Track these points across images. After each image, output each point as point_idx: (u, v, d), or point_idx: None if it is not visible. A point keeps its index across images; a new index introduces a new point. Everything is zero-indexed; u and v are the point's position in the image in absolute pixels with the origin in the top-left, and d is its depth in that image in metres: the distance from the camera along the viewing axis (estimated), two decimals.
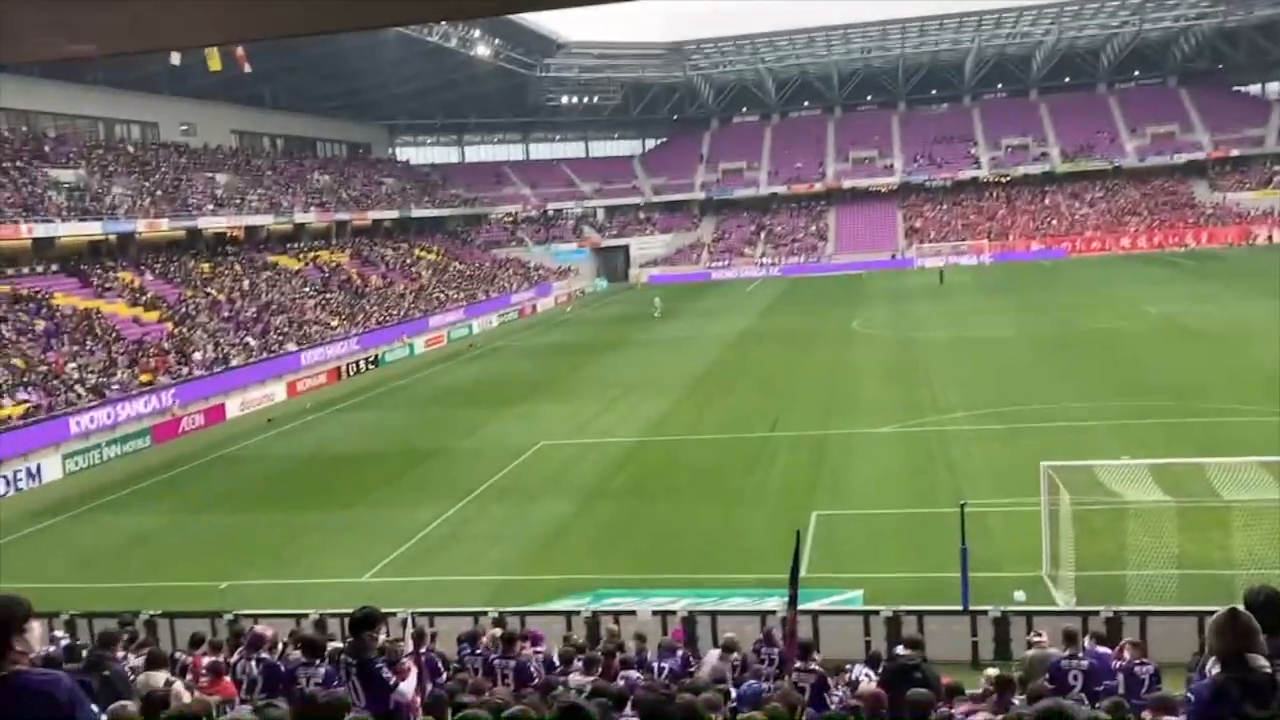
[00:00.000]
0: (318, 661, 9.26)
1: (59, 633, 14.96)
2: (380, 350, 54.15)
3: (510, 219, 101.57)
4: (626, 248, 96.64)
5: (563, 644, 12.87)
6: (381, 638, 8.65)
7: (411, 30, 65.77)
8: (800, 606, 11.02)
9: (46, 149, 54.42)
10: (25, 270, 46.95)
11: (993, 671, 10.73)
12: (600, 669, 10.49)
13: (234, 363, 44.63)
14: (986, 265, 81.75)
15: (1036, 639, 12.47)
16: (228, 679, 9.96)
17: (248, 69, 56.88)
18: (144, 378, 39.69)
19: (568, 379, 43.82)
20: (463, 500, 26.13)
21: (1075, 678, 10.07)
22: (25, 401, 34.78)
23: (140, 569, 22.89)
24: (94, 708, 4.34)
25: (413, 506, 25.92)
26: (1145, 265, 71.46)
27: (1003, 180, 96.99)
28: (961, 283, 69.76)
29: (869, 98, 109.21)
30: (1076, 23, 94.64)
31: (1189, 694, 4.64)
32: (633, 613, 16.50)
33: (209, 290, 53.28)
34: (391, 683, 7.63)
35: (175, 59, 47.19)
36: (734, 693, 9.49)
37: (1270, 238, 79.67)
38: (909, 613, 15.64)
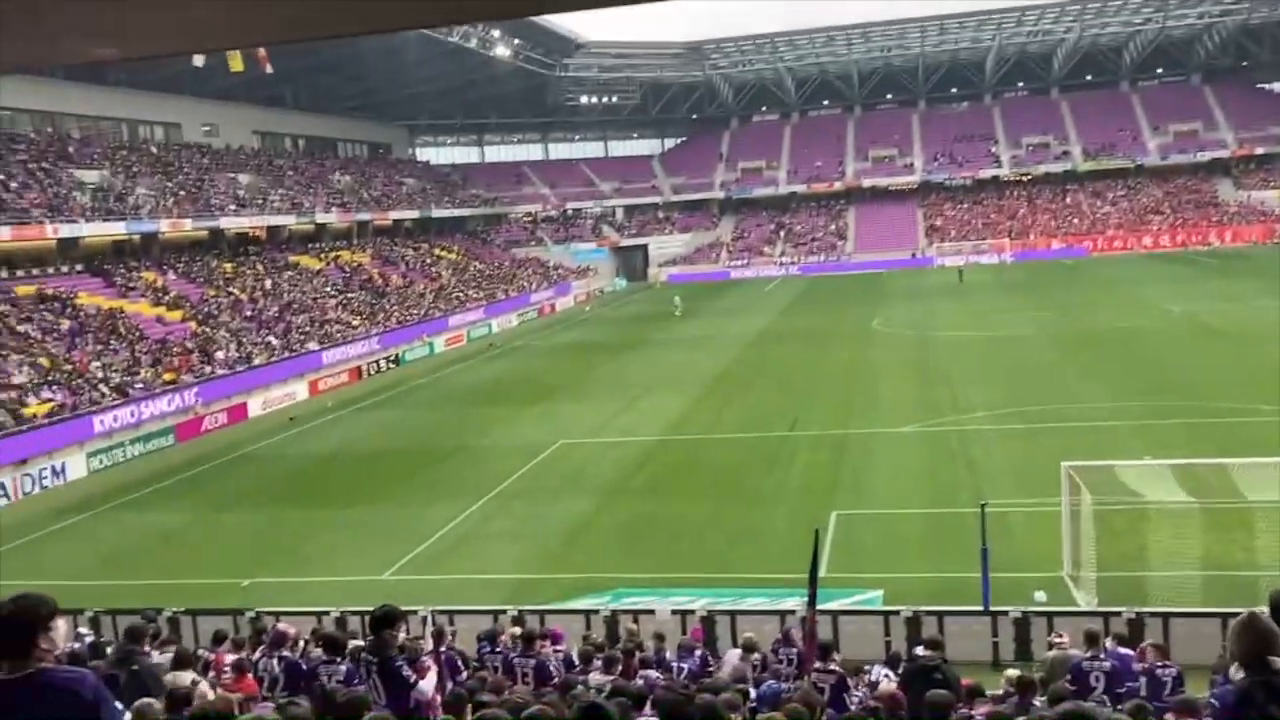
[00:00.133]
0: (339, 659, 9.31)
1: (83, 629, 15.09)
2: (401, 349, 54.36)
3: (530, 218, 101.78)
4: (645, 247, 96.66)
5: (582, 643, 12.90)
6: (401, 636, 8.69)
7: (432, 31, 65.94)
8: (819, 606, 11.00)
9: (71, 150, 54.86)
10: (50, 270, 47.35)
11: (1013, 673, 10.68)
12: (619, 668, 10.50)
13: (256, 362, 44.90)
14: (1007, 264, 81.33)
15: (1058, 640, 12.40)
16: (251, 677, 10.03)
17: (269, 70, 57.28)
18: (167, 376, 39.98)
19: (587, 378, 43.87)
20: (483, 499, 26.21)
21: (1097, 679, 10.00)
22: (50, 400, 35.08)
23: (163, 566, 23.06)
24: (118, 705, 4.38)
25: (433, 505, 26.02)
26: (1168, 264, 70.96)
27: (1024, 179, 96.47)
28: (981, 281, 69.45)
29: (889, 96, 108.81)
30: (1099, 20, 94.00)
31: (1213, 699, 4.62)
32: (652, 612, 16.51)
33: (231, 290, 53.60)
34: (412, 681, 7.67)
35: (198, 60, 47.51)
36: (753, 693, 9.49)
37: None
38: (929, 613, 15.58)
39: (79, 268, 49.09)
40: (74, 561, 23.95)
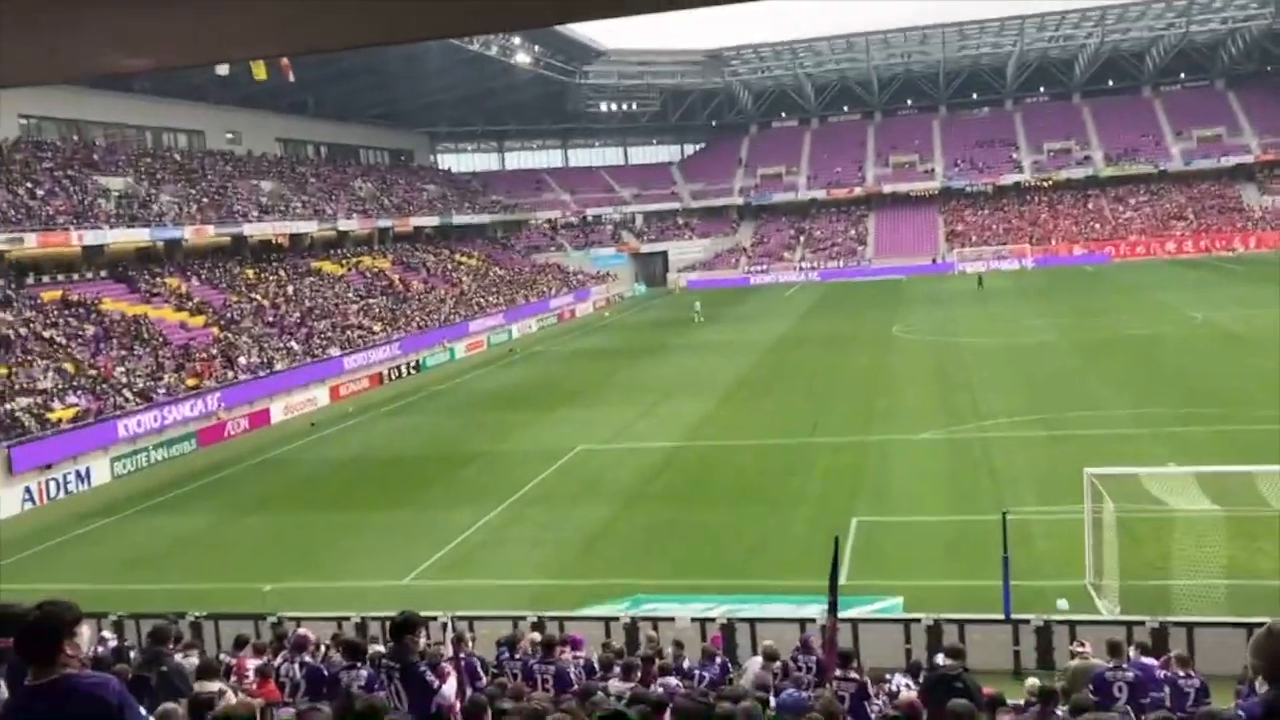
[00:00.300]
0: (359, 664, 9.34)
1: (107, 634, 15.19)
2: (421, 355, 54.57)
3: (550, 225, 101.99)
4: (665, 253, 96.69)
5: (602, 650, 12.89)
6: (422, 642, 8.71)
7: (453, 39, 66.29)
8: (840, 614, 10.97)
9: (96, 157, 55.36)
10: (75, 276, 47.76)
11: (1035, 682, 10.62)
12: (639, 675, 10.50)
13: (278, 367, 45.14)
14: (1028, 270, 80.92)
15: (1080, 649, 12.31)
16: (273, 682, 10.08)
17: (292, 78, 57.70)
18: (190, 382, 40.26)
19: (606, 383, 43.91)
20: (502, 504, 26.25)
21: (1120, 689, 9.93)
22: (75, 405, 35.38)
23: (185, 571, 23.20)
24: (142, 710, 4.41)
25: (453, 510, 26.08)
26: (1191, 270, 70.44)
27: (1045, 184, 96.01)
28: (1001, 287, 69.14)
29: (909, 102, 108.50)
30: (1120, 25, 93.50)
31: (1239, 711, 4.57)
32: (671, 619, 16.49)
33: (254, 296, 53.93)
34: (435, 686, 7.68)
35: (222, 69, 47.91)
36: (772, 701, 9.47)
37: None
38: (950, 621, 15.51)
39: (104, 274, 49.48)
40: (97, 565, 24.13)
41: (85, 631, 4.30)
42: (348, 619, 16.72)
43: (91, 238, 47.37)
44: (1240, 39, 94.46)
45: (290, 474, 32.75)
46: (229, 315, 49.64)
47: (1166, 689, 10.29)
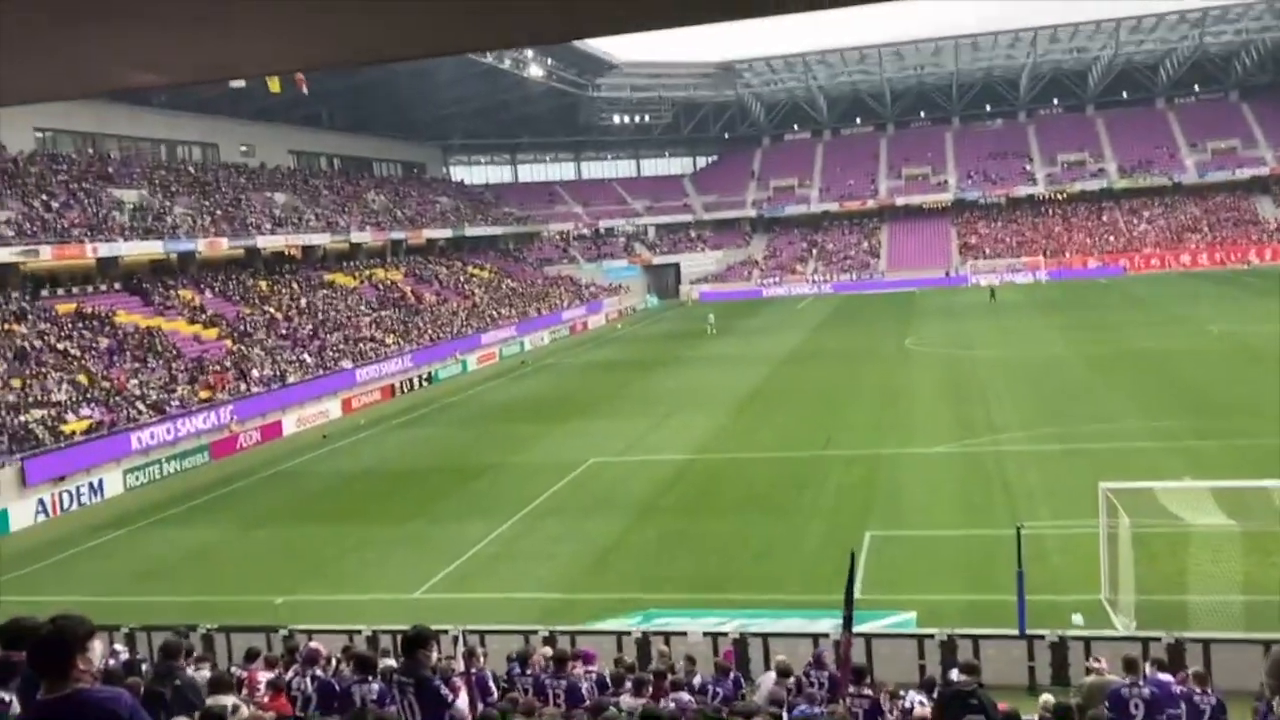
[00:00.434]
0: (370, 678, 9.32)
1: (119, 646, 15.20)
2: (434, 367, 54.66)
3: (562, 237, 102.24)
4: (677, 265, 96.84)
5: (614, 665, 12.84)
6: (434, 656, 8.70)
7: (464, 54, 66.58)
8: (854, 629, 10.91)
9: (111, 170, 55.72)
10: (90, 289, 48.02)
11: (1050, 698, 10.54)
12: (650, 690, 10.45)
13: (290, 380, 45.26)
14: (1042, 283, 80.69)
15: (1095, 665, 12.21)
16: (285, 696, 10.07)
17: (305, 91, 58.06)
18: (203, 394, 40.39)
19: (618, 396, 43.89)
20: (514, 517, 26.22)
21: (1136, 706, 9.83)
22: (88, 417, 35.53)
23: (198, 583, 23.24)
24: None
25: (465, 523, 26.07)
26: (1206, 283, 70.13)
27: (1059, 196, 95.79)
28: (1014, 300, 68.95)
29: (922, 114, 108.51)
30: (1134, 38, 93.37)
31: None
32: (684, 633, 16.43)
33: (267, 308, 54.13)
34: (450, 700, 7.66)
35: (237, 82, 48.17)
36: (785, 717, 9.41)
37: None
38: (964, 636, 15.40)
39: (117, 286, 49.76)
40: (110, 577, 24.17)
41: (98, 646, 4.30)
42: (359, 632, 16.70)
43: (106, 250, 47.65)
44: (1254, 51, 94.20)
45: (302, 486, 32.79)
46: (242, 328, 49.82)
47: (1183, 706, 10.19)
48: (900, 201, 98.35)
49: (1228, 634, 14.89)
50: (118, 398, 37.71)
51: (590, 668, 12.13)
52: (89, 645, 4.06)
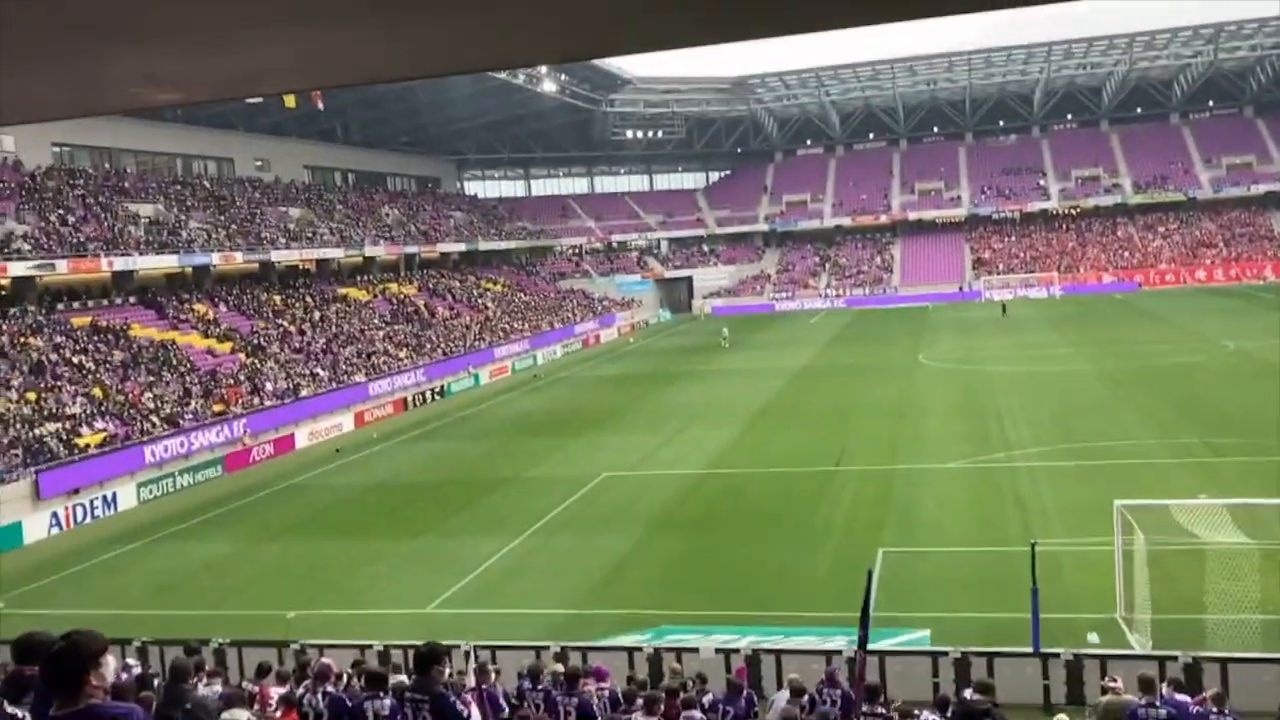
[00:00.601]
0: (381, 694, 9.30)
1: (131, 660, 15.21)
2: (446, 381, 54.73)
3: (575, 251, 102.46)
4: (690, 279, 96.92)
5: (626, 683, 12.78)
6: (446, 673, 8.67)
7: (477, 72, 66.91)
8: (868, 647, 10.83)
9: (127, 185, 56.08)
10: (105, 302, 48.27)
11: (1064, 718, 10.45)
12: (661, 708, 10.39)
13: (303, 393, 45.38)
14: (1056, 298, 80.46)
15: (1112, 684, 12.09)
16: (296, 712, 10.05)
17: (321, 106, 58.38)
18: (217, 408, 40.52)
19: (631, 410, 43.86)
20: (526, 531, 26.19)
21: None
22: (103, 431, 35.67)
23: (210, 597, 23.27)
24: None
25: (477, 537, 26.05)
26: (1222, 298, 69.82)
27: (1073, 212, 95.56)
28: (1027, 315, 68.73)
29: (935, 129, 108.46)
30: (1148, 53, 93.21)
31: None
32: (696, 650, 16.35)
33: (280, 322, 54.32)
34: (465, 715, 7.64)
35: (254, 98, 48.46)
36: None
37: None
38: (978, 654, 15.29)
39: (132, 300, 50.01)
40: (123, 591, 24.22)
41: (110, 662, 4.29)
42: (370, 647, 16.68)
43: (121, 264, 47.93)
44: (1269, 66, 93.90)
45: (314, 500, 32.83)
46: (256, 341, 50.00)
47: None
48: (913, 216, 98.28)
49: (1245, 653, 14.75)
50: (132, 411, 37.86)
51: (602, 685, 12.07)
52: (102, 661, 4.05)
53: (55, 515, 30.83)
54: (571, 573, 22.93)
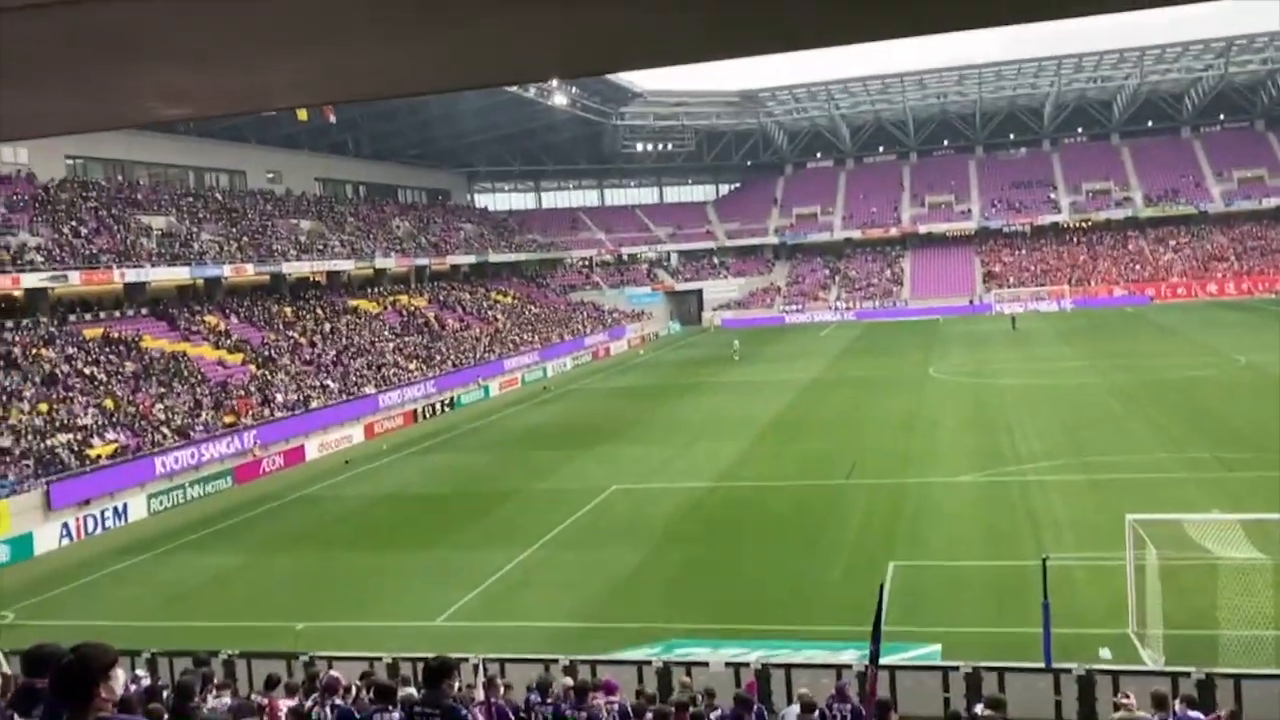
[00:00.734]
0: (390, 707, 9.28)
1: (140, 671, 15.22)
2: (456, 393, 54.77)
3: (585, 263, 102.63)
4: (700, 291, 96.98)
5: (635, 697, 12.74)
6: (456, 685, 8.65)
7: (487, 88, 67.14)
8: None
9: (140, 197, 56.38)
10: (117, 313, 48.49)
11: None
12: None
13: (314, 405, 45.47)
14: (1067, 311, 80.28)
15: (1124, 701, 12.01)
16: None
17: (333, 119, 58.65)
18: (227, 419, 40.62)
19: (641, 422, 43.82)
20: (536, 544, 26.16)
21: None
22: (114, 442, 35.78)
23: (219, 608, 23.28)
24: None
25: (486, 549, 26.02)
26: (1233, 312, 69.57)
27: (1084, 225, 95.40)
28: (1036, 329, 68.58)
29: (945, 142, 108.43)
30: (1159, 66, 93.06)
31: None
32: (705, 664, 16.29)
33: (291, 334, 54.47)
34: None
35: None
36: None
37: None
38: (989, 669, 15.19)
39: (144, 311, 50.22)
40: (133, 602, 24.26)
41: (120, 674, 4.29)
42: (379, 659, 16.66)
43: (133, 276, 48.16)
44: None
45: (324, 512, 32.86)
46: (266, 353, 50.14)
47: None
48: (923, 229, 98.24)
49: (1259, 670, 14.64)
50: (143, 422, 37.97)
51: (612, 698, 12.03)
52: (111, 674, 4.05)
53: (66, 526, 30.90)
54: (581, 586, 22.89)
